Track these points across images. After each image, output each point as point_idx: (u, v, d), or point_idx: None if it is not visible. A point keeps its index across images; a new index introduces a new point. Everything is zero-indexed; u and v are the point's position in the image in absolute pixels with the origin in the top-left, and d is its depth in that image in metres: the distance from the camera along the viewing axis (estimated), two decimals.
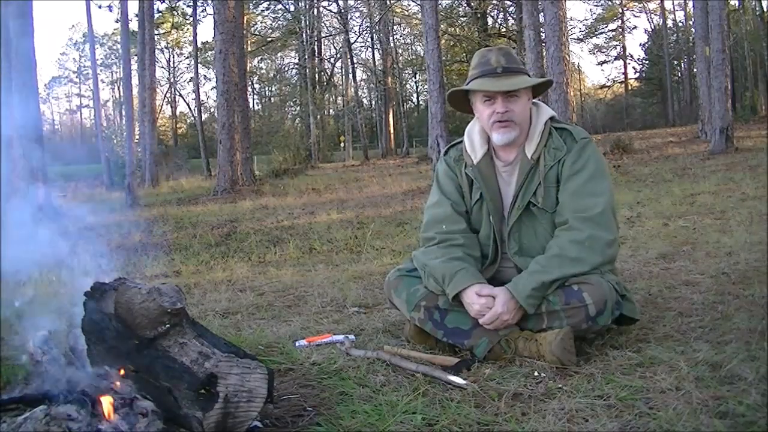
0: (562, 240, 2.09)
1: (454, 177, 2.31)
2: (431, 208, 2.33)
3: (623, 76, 39.32)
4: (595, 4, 35.80)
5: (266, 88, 40.98)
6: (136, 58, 19.81)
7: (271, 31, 33.53)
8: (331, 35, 32.76)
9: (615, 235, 2.12)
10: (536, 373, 1.90)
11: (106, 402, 1.52)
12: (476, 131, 2.28)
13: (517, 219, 2.18)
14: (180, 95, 41.96)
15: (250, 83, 34.17)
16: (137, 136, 17.99)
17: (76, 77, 46.89)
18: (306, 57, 29.19)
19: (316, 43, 31.24)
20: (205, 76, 37.14)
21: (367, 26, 30.85)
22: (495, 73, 2.13)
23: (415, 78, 38.16)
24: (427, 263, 2.19)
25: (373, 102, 38.79)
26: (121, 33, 18.46)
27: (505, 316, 2.01)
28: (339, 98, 37.22)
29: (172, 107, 42.08)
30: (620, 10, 35.80)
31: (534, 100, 2.26)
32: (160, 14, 30.40)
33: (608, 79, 41.24)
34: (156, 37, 25.16)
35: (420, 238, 2.35)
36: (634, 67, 39.54)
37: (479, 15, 29.25)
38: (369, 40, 32.56)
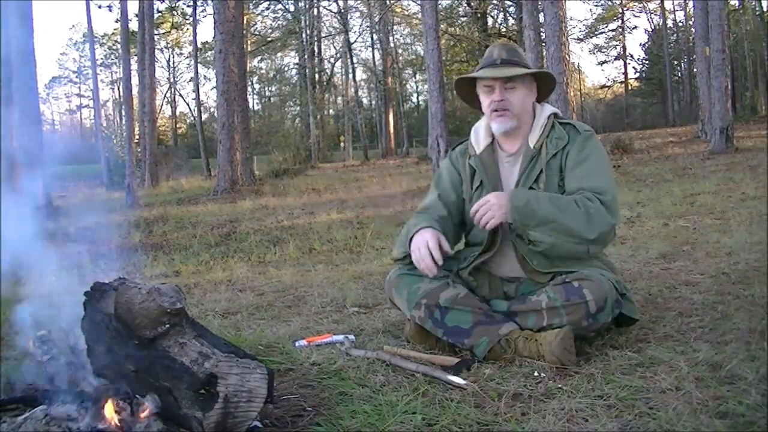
0: (575, 196, 2.11)
1: (453, 171, 2.41)
2: (425, 196, 2.48)
3: (623, 76, 39.28)
4: (595, 4, 35.89)
5: (266, 88, 40.95)
6: (136, 58, 19.80)
7: (271, 31, 33.52)
8: (331, 35, 32.77)
9: (617, 222, 2.16)
10: (536, 373, 1.90)
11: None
12: (483, 126, 2.37)
13: None
14: (180, 95, 41.94)
15: (250, 83, 34.14)
16: (137, 136, 17.98)
17: (76, 77, 46.77)
18: (306, 57, 29.17)
19: (316, 43, 31.24)
20: (205, 76, 37.17)
21: (367, 26, 30.89)
22: (494, 64, 2.24)
23: (415, 78, 38.18)
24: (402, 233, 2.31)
25: (373, 102, 38.77)
26: (121, 33, 18.45)
27: (493, 200, 2.08)
28: (339, 98, 37.23)
29: (172, 107, 42.02)
30: (620, 10, 35.75)
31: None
32: (160, 14, 30.38)
33: (608, 79, 41.22)
34: (156, 37, 25.14)
35: None
36: (634, 67, 39.52)
37: (479, 15, 29.24)
38: (369, 40, 32.61)
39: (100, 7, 37.25)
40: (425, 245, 2.13)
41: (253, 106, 38.04)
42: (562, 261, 2.17)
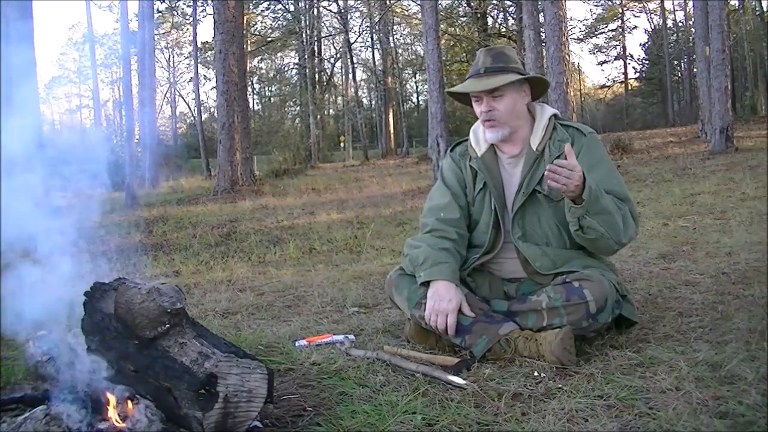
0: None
1: (457, 170, 2.38)
2: (432, 195, 2.42)
3: (623, 76, 39.24)
4: (595, 4, 35.65)
5: (266, 88, 40.91)
6: (136, 58, 19.81)
7: (271, 31, 33.50)
8: (331, 35, 32.76)
9: (638, 231, 2.18)
10: (536, 373, 1.90)
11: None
12: (481, 128, 2.34)
13: (522, 205, 2.21)
14: (180, 95, 41.92)
15: (250, 83, 34.12)
16: (137, 136, 18.00)
17: (76, 77, 46.72)
18: (306, 57, 29.17)
19: (316, 43, 31.23)
20: (205, 76, 37.05)
21: (367, 26, 30.84)
22: (478, 74, 2.21)
23: (415, 78, 38.14)
24: (415, 245, 2.28)
25: (373, 102, 38.77)
26: (121, 33, 18.46)
27: (577, 169, 1.93)
28: (339, 98, 37.20)
29: (172, 107, 42.00)
30: (620, 10, 35.71)
31: (539, 103, 2.33)
32: (160, 14, 30.37)
33: (608, 79, 41.15)
34: (156, 37, 25.15)
35: (419, 224, 2.44)
36: (634, 67, 39.47)
37: (479, 15, 29.21)
38: (369, 40, 32.56)
39: (100, 7, 37.25)
40: (444, 316, 2.08)
41: (253, 106, 38.02)
42: (565, 262, 2.17)
